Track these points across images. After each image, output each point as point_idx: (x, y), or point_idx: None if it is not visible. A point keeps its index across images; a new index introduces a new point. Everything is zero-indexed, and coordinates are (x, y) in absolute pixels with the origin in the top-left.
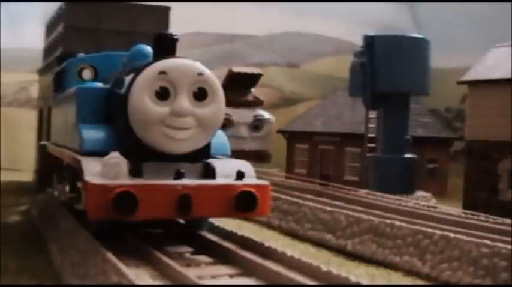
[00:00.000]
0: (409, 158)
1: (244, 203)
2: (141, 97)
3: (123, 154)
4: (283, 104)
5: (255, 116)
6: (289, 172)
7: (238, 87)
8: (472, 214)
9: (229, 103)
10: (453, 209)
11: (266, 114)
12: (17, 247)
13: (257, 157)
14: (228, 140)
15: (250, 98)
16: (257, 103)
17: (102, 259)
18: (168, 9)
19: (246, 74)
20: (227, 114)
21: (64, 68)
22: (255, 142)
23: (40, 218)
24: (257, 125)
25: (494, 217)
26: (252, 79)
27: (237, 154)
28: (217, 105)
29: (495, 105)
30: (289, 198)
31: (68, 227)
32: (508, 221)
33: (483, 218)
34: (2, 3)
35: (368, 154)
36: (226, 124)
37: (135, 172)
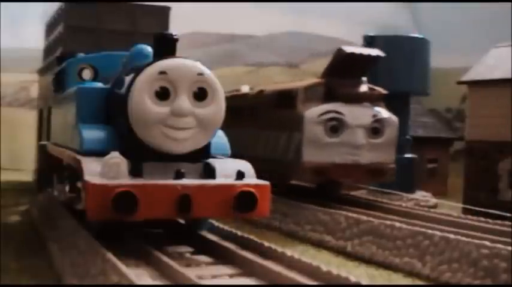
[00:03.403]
0: (409, 158)
1: (244, 203)
2: (141, 97)
3: (123, 154)
4: None
5: (374, 115)
6: None
7: (349, 74)
8: (474, 211)
9: (340, 97)
10: (456, 206)
11: (385, 113)
12: (17, 247)
13: (375, 174)
14: (337, 148)
15: (367, 90)
16: (377, 97)
17: (102, 259)
18: (168, 9)
19: (361, 56)
20: (338, 113)
21: (64, 68)
22: (374, 152)
23: (40, 218)
24: (377, 128)
25: None
26: (368, 63)
27: (349, 170)
28: (217, 105)
29: (495, 105)
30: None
31: (68, 227)
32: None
33: (483, 219)
34: (2, 3)
35: None
36: (337, 127)
37: (135, 172)
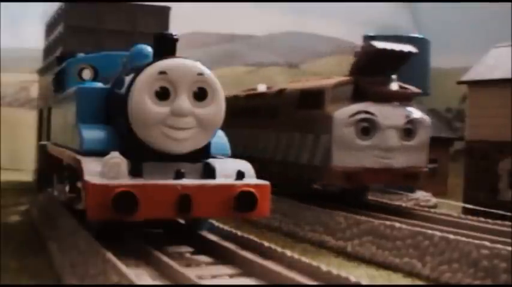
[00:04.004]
0: None
1: (244, 203)
2: (141, 97)
3: (123, 154)
4: None
5: (407, 115)
6: None
7: (379, 71)
8: (474, 211)
9: (371, 96)
10: (456, 205)
11: (418, 113)
12: (17, 247)
13: (408, 178)
14: (369, 151)
15: (398, 88)
16: (411, 96)
17: (102, 259)
18: (168, 9)
19: (393, 52)
20: (370, 113)
21: (64, 68)
22: (407, 155)
23: (40, 218)
24: (410, 129)
25: None
26: (400, 60)
27: (381, 174)
28: (217, 105)
29: (495, 105)
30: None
31: (68, 227)
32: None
33: (482, 219)
34: (2, 3)
35: None
36: (369, 128)
37: (135, 172)
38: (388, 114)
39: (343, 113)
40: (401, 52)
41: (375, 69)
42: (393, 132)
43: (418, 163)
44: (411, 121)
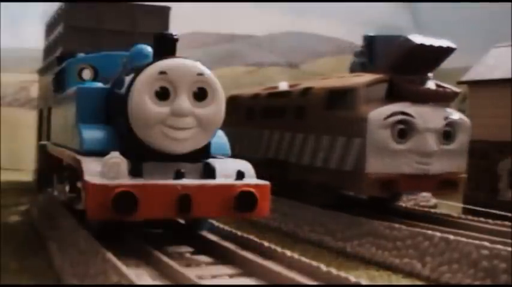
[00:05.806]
0: None
1: (244, 203)
2: (141, 97)
3: (123, 154)
4: None
5: (446, 117)
6: None
7: (417, 69)
8: (474, 211)
9: (408, 96)
10: (456, 206)
11: (457, 114)
12: (17, 247)
13: (447, 185)
14: (405, 156)
15: (436, 87)
16: (452, 97)
17: (102, 259)
18: (168, 9)
19: (431, 48)
20: (407, 115)
21: (64, 68)
22: (446, 160)
23: (40, 218)
24: (449, 132)
25: None
26: (439, 56)
27: (418, 181)
28: (217, 105)
29: (495, 105)
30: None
31: (68, 227)
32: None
33: (483, 219)
34: (2, 3)
35: None
36: (406, 131)
37: (135, 172)
38: (427, 116)
39: (378, 114)
40: (440, 48)
41: (411, 67)
42: (431, 135)
43: (458, 169)
44: (450, 123)
